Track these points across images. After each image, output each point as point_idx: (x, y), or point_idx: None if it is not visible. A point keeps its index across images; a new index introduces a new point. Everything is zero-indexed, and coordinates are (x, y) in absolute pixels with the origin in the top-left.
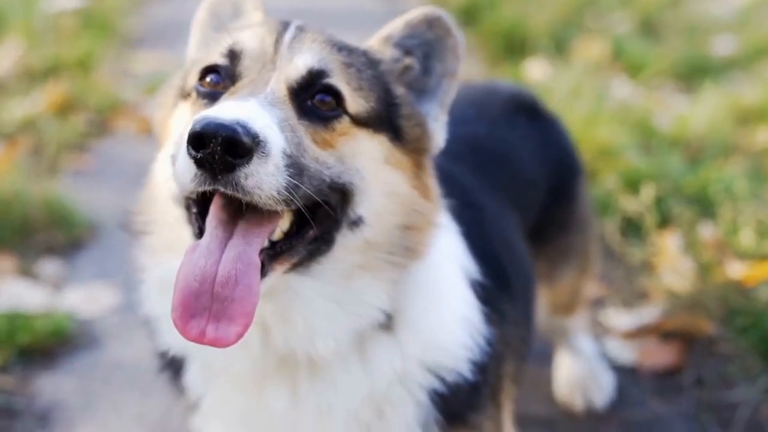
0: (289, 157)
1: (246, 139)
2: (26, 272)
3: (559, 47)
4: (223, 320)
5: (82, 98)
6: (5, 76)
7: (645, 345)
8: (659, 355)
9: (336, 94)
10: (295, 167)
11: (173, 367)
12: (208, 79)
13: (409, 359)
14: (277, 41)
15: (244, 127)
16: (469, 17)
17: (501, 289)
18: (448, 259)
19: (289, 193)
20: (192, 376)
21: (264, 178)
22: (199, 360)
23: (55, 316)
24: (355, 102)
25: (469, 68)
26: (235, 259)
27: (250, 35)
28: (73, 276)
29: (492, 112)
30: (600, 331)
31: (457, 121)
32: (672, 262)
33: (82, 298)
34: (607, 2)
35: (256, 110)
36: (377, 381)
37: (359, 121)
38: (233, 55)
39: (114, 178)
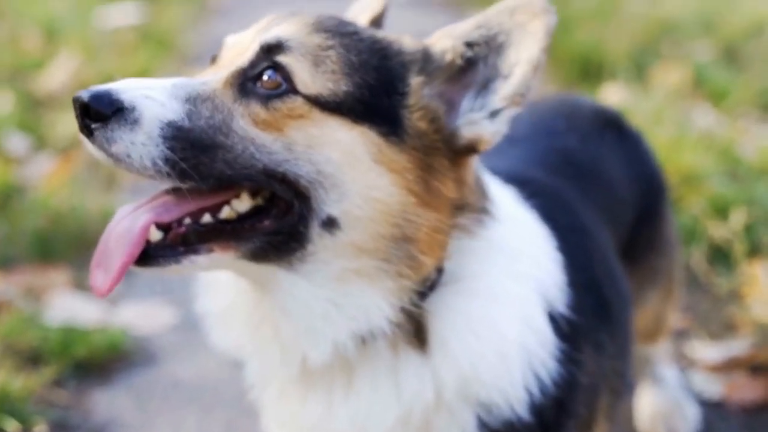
0: (180, 129)
1: (98, 105)
2: (81, 286)
3: (637, 73)
4: (106, 272)
5: None
6: (59, 90)
7: (733, 378)
8: (748, 390)
9: (284, 71)
10: (194, 143)
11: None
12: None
13: (446, 389)
14: (261, 29)
15: (106, 94)
16: None
17: (602, 321)
18: (519, 290)
19: (173, 167)
20: (251, 377)
21: (131, 147)
22: (251, 364)
23: (110, 331)
24: (316, 83)
25: (543, 91)
26: (128, 221)
27: (246, 32)
28: (129, 292)
29: (581, 125)
30: (685, 363)
31: (547, 132)
32: (762, 293)
33: (139, 315)
34: (688, 29)
35: (149, 83)
36: (409, 406)
37: (323, 105)
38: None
39: None
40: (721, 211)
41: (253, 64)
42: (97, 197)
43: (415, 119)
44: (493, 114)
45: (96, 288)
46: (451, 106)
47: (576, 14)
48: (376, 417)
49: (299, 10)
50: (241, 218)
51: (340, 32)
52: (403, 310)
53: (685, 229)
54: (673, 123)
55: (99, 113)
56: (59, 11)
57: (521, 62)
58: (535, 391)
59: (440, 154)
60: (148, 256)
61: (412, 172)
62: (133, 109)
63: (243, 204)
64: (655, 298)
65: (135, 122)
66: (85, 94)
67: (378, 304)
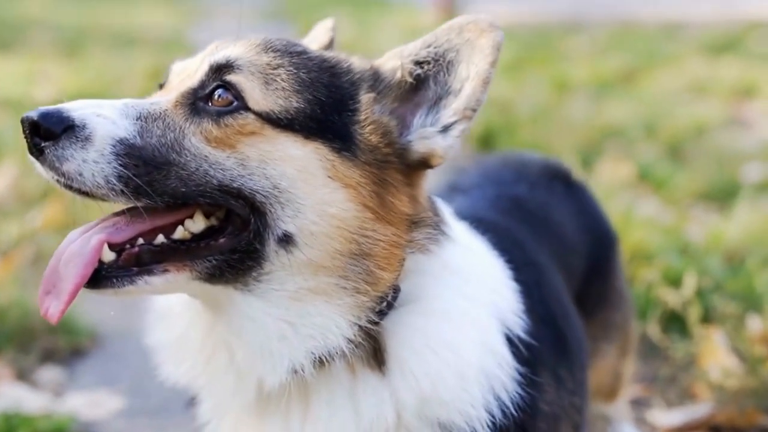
0: (132, 147)
1: (47, 123)
2: (25, 378)
3: (583, 168)
4: (57, 297)
5: (81, 217)
6: (0, 200)
7: None
8: None
9: (235, 89)
10: (147, 160)
11: (192, 399)
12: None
13: (406, 410)
14: (208, 54)
15: (55, 112)
16: (487, 143)
17: (559, 355)
18: (476, 312)
19: (126, 184)
20: (203, 413)
21: (83, 165)
22: (208, 397)
23: (56, 418)
24: (266, 99)
25: None
26: (80, 241)
27: (193, 58)
28: (74, 383)
29: (529, 176)
30: (646, 429)
31: (496, 181)
32: (718, 358)
33: (85, 403)
34: (631, 132)
35: (101, 103)
36: (369, 427)
37: (275, 122)
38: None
39: None
40: (673, 281)
41: (203, 84)
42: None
43: (366, 134)
44: (445, 128)
45: (48, 314)
46: (403, 123)
47: (518, 119)
48: None
49: (244, 35)
50: (196, 238)
51: (289, 51)
52: (361, 328)
53: (639, 300)
54: (620, 207)
55: (49, 131)
56: (2, 126)
57: (471, 77)
58: (497, 412)
59: (393, 168)
60: (101, 277)
61: (366, 187)
62: (84, 126)
63: (197, 224)
64: (611, 353)
65: (86, 140)
66: (34, 114)
67: (336, 321)
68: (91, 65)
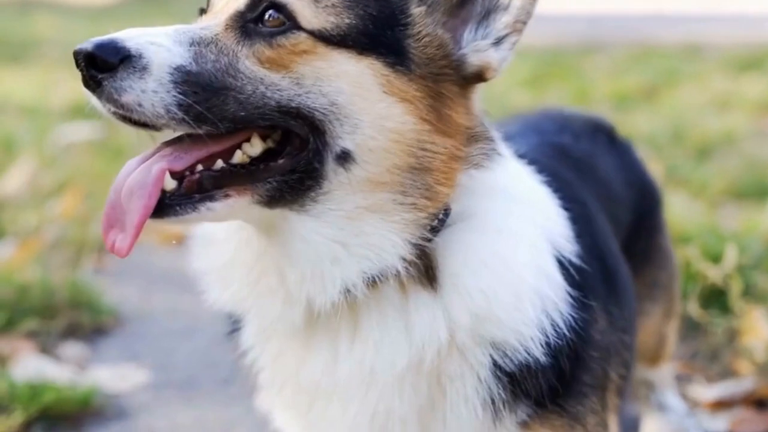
0: (189, 74)
1: (104, 55)
2: (47, 353)
3: None
4: (122, 230)
5: (98, 209)
6: (16, 193)
7: (737, 415)
8: (753, 424)
9: (286, 10)
10: (205, 86)
11: (234, 326)
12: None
13: (459, 329)
14: None
15: (110, 43)
16: None
17: (609, 289)
18: (528, 231)
19: (187, 112)
20: (247, 338)
21: (142, 95)
22: (252, 320)
23: (81, 389)
24: (318, 17)
25: None
26: (139, 171)
27: None
28: (97, 358)
29: (573, 127)
30: (688, 404)
31: (536, 131)
32: (759, 334)
33: (110, 377)
34: (658, 139)
35: (152, 31)
36: (421, 348)
37: (327, 40)
38: None
39: (137, 278)
40: (713, 258)
41: (251, 6)
42: (62, 271)
43: (421, 47)
44: (498, 41)
45: (114, 248)
46: (454, 37)
47: None
48: (385, 362)
49: None
50: (254, 161)
51: None
52: (415, 246)
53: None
54: None
55: (106, 62)
56: (17, 130)
57: None
58: (551, 331)
59: (450, 81)
60: (165, 206)
61: (423, 100)
62: (140, 56)
63: (254, 148)
64: (656, 313)
65: (144, 69)
66: (88, 45)
67: (392, 240)
68: None
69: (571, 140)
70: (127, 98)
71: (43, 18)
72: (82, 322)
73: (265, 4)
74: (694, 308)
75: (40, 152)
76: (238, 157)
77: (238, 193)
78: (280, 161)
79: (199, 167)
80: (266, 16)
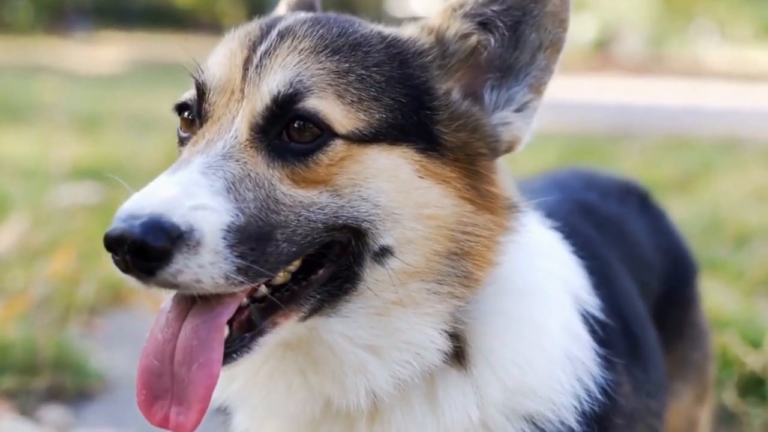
0: (239, 230)
1: (157, 242)
2: (28, 416)
3: None
4: (183, 404)
5: (89, 271)
6: (7, 251)
7: None
8: None
9: (316, 118)
10: (256, 237)
11: (222, 414)
12: (185, 117)
13: (491, 405)
14: (248, 60)
15: (157, 225)
16: None
17: (631, 353)
18: (552, 285)
19: (246, 274)
20: (240, 422)
21: (200, 271)
22: (247, 406)
23: None
24: (348, 117)
25: None
26: (192, 332)
27: (217, 59)
28: (79, 424)
29: (601, 186)
30: None
31: (562, 187)
32: None
33: None
34: (693, 228)
35: (187, 186)
36: (449, 429)
37: (361, 139)
38: (200, 89)
39: (127, 343)
40: (752, 343)
41: (270, 117)
42: (48, 331)
43: (452, 133)
44: (521, 108)
45: (177, 425)
46: (474, 96)
47: None
48: None
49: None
50: (294, 275)
51: (348, 47)
52: (453, 334)
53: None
54: None
55: (158, 250)
56: (13, 189)
57: (544, 45)
58: (584, 397)
59: (485, 158)
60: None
61: (460, 180)
62: (191, 230)
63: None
64: (687, 394)
65: (198, 244)
66: (135, 230)
67: (429, 334)
68: (105, 141)
69: (598, 199)
70: (184, 278)
71: (49, 82)
72: (66, 385)
73: (293, 114)
74: (730, 397)
75: (35, 212)
76: (280, 277)
77: (285, 317)
78: (320, 272)
79: (244, 300)
80: (293, 130)
